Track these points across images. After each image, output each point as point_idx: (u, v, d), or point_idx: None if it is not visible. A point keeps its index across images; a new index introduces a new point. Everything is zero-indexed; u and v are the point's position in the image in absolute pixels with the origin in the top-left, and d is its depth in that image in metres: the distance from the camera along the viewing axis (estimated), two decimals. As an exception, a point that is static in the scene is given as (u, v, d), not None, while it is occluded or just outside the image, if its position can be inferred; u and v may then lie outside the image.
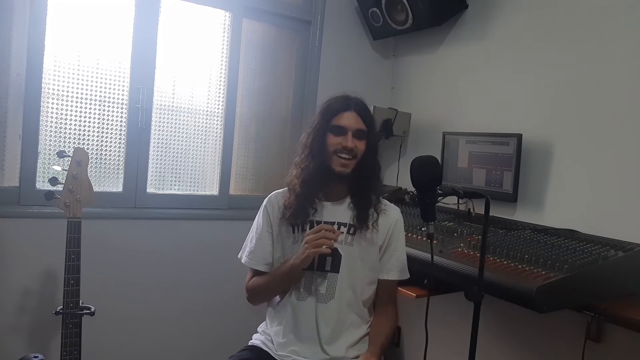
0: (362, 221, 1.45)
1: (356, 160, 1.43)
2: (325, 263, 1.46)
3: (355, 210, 1.47)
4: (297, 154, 1.50)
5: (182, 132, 2.36)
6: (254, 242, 1.53)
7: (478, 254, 1.27)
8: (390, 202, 1.57)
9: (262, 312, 1.61)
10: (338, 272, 1.45)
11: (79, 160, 1.61)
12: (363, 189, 1.46)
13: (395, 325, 1.59)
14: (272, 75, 2.60)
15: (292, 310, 1.47)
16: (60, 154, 1.63)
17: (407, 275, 1.53)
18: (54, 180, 1.59)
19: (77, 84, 2.08)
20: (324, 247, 1.34)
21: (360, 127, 1.43)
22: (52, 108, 2.03)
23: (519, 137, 1.92)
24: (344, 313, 1.46)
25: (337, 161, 1.42)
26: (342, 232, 1.46)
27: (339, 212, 1.48)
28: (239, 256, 1.56)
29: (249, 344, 1.57)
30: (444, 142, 2.26)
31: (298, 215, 1.45)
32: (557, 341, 1.78)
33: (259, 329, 1.60)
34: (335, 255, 1.44)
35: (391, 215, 1.52)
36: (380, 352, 1.45)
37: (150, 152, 2.25)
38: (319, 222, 1.46)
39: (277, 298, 1.53)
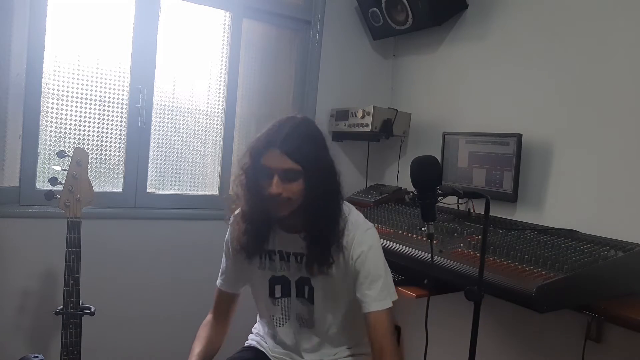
0: (314, 261, 1.31)
1: (292, 201, 1.24)
2: (304, 291, 1.39)
3: (308, 246, 1.31)
4: (240, 183, 1.32)
5: (182, 132, 2.36)
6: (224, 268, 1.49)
7: (478, 254, 1.27)
8: (390, 202, 1.56)
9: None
10: (313, 303, 1.38)
11: (79, 160, 1.61)
12: (314, 228, 1.29)
13: None
14: (272, 75, 2.60)
15: (271, 331, 1.49)
16: (60, 154, 1.63)
17: (389, 302, 1.31)
18: (54, 180, 1.60)
19: (77, 84, 2.08)
20: None
21: (289, 167, 1.20)
22: (52, 108, 2.03)
23: (519, 137, 1.92)
24: (328, 336, 1.43)
25: (272, 206, 1.25)
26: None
27: (295, 242, 1.34)
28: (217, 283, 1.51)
29: (246, 344, 1.58)
30: (444, 142, 2.25)
31: (250, 251, 1.36)
32: (557, 341, 1.78)
33: (253, 330, 1.61)
34: (307, 286, 1.37)
35: (355, 250, 1.30)
36: None
37: (150, 152, 2.25)
38: (272, 252, 1.38)
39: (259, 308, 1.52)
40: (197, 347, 1.42)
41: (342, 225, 1.31)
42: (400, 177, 2.62)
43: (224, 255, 1.48)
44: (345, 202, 1.37)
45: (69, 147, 2.07)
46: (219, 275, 1.50)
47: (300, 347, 1.45)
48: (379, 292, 1.29)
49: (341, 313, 1.40)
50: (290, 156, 1.20)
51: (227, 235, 1.45)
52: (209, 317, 1.52)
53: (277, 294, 1.42)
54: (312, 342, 1.44)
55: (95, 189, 1.67)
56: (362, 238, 1.31)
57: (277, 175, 1.21)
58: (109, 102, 2.15)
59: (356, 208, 1.42)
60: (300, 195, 1.23)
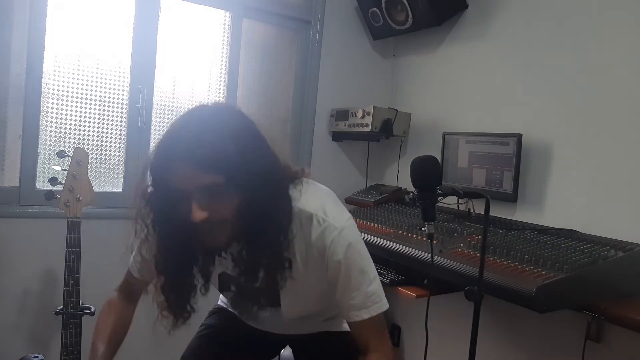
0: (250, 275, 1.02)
1: (227, 222, 0.94)
2: (260, 298, 1.15)
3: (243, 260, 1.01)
4: (145, 221, 1.02)
5: (182, 132, 2.35)
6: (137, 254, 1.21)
7: (478, 254, 1.27)
8: (390, 202, 1.53)
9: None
10: (280, 305, 1.15)
11: (79, 160, 1.60)
12: (250, 239, 0.98)
13: None
14: (272, 75, 2.59)
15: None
16: (60, 154, 1.62)
17: (379, 309, 1.08)
18: (54, 180, 1.59)
19: (77, 83, 2.07)
20: None
21: (205, 182, 0.88)
22: (52, 108, 2.03)
23: (519, 137, 1.92)
24: (302, 318, 1.22)
25: (203, 239, 0.96)
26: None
27: (229, 259, 1.07)
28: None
29: (216, 305, 1.46)
30: (444, 142, 2.25)
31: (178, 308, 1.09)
32: (557, 341, 1.78)
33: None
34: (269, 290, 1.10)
35: (331, 260, 1.03)
36: None
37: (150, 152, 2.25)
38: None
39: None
40: (101, 345, 1.19)
41: (320, 223, 1.03)
42: (400, 177, 2.61)
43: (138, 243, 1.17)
44: (307, 181, 1.08)
45: (69, 147, 2.06)
46: (133, 257, 1.23)
47: (271, 326, 1.29)
48: (362, 300, 1.05)
49: (319, 303, 1.19)
50: (205, 169, 0.87)
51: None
52: (117, 296, 1.31)
53: (233, 288, 1.20)
54: (283, 323, 1.24)
55: (96, 189, 1.67)
56: (337, 242, 1.02)
57: (193, 199, 0.89)
58: (109, 102, 2.15)
59: (356, 208, 1.38)
60: (233, 212, 0.93)
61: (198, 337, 1.40)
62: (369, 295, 1.06)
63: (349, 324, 1.10)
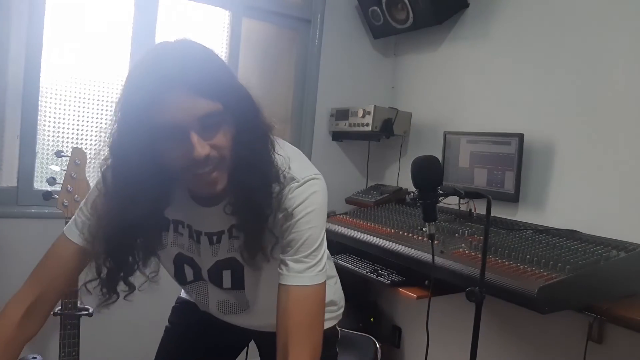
0: (256, 245, 0.91)
1: (225, 162, 0.84)
2: (222, 280, 1.04)
3: (236, 217, 0.90)
4: (110, 177, 0.87)
5: (182, 132, 2.34)
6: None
7: (479, 255, 1.26)
8: (391, 202, 1.53)
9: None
10: (243, 289, 1.05)
11: (77, 160, 1.60)
12: (245, 193, 0.87)
13: None
14: (272, 75, 2.59)
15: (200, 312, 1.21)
16: (58, 154, 1.62)
17: (318, 280, 0.91)
18: (52, 181, 1.59)
19: (75, 83, 2.06)
20: None
21: (207, 111, 0.79)
22: (50, 108, 2.02)
23: (521, 136, 1.91)
24: (268, 308, 1.00)
25: (195, 182, 0.86)
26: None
27: (212, 218, 0.96)
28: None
29: (179, 298, 1.34)
30: (445, 142, 2.24)
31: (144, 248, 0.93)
32: (559, 342, 1.77)
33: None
34: (231, 272, 1.02)
35: (294, 212, 0.90)
36: None
37: (149, 152, 2.24)
38: (179, 222, 0.99)
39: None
40: None
41: (282, 179, 0.90)
42: (401, 177, 2.60)
43: (88, 206, 0.98)
44: (276, 138, 0.94)
45: (67, 147, 2.05)
46: (72, 223, 1.00)
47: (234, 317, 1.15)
48: (306, 268, 0.90)
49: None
50: (204, 95, 0.78)
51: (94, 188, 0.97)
52: (10, 312, 1.00)
53: (189, 277, 1.08)
54: (247, 313, 1.12)
55: (94, 189, 1.66)
56: (301, 196, 0.90)
57: (193, 131, 0.78)
58: (107, 101, 2.13)
59: (356, 209, 1.37)
60: (230, 148, 0.83)
61: (163, 341, 1.31)
62: (319, 264, 0.91)
63: (283, 290, 0.90)
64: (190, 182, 0.87)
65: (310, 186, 0.92)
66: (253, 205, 0.87)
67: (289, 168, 0.91)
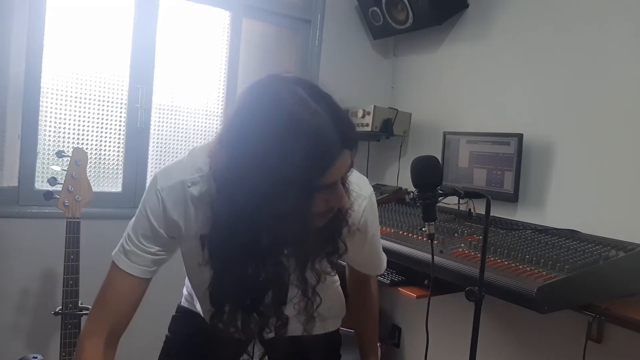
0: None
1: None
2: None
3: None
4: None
5: (182, 132, 2.35)
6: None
7: (479, 255, 1.26)
8: (390, 202, 1.53)
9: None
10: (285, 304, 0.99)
11: (78, 160, 1.61)
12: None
13: (377, 304, 1.30)
14: (272, 75, 2.59)
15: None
16: (59, 154, 1.63)
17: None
18: (52, 181, 1.59)
19: (76, 83, 2.07)
20: None
21: (351, 164, 0.85)
22: (51, 108, 2.03)
23: (520, 137, 1.91)
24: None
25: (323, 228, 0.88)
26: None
27: None
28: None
29: (179, 306, 1.34)
30: (445, 142, 2.25)
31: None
32: (558, 342, 1.77)
33: (184, 291, 1.33)
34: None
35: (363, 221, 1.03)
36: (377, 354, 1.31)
37: (149, 152, 2.25)
38: None
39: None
40: None
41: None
42: (401, 177, 2.61)
43: (142, 235, 1.03)
44: None
45: (68, 147, 2.06)
46: (126, 256, 1.04)
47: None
48: (382, 260, 1.22)
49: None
50: (356, 149, 0.83)
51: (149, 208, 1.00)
52: (93, 346, 0.96)
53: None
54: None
55: (95, 189, 1.67)
56: (368, 207, 1.04)
57: (340, 184, 0.83)
58: (108, 101, 2.14)
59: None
60: None
61: (163, 352, 1.28)
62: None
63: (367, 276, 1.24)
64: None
65: (374, 202, 1.08)
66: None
67: (350, 182, 0.92)
